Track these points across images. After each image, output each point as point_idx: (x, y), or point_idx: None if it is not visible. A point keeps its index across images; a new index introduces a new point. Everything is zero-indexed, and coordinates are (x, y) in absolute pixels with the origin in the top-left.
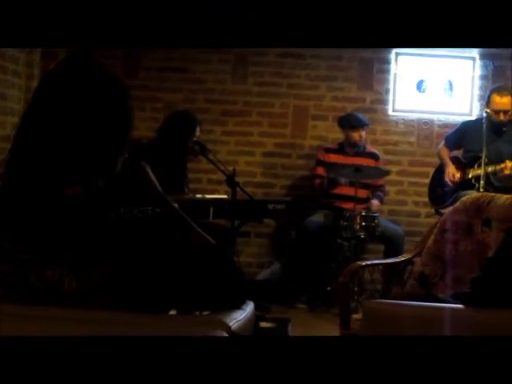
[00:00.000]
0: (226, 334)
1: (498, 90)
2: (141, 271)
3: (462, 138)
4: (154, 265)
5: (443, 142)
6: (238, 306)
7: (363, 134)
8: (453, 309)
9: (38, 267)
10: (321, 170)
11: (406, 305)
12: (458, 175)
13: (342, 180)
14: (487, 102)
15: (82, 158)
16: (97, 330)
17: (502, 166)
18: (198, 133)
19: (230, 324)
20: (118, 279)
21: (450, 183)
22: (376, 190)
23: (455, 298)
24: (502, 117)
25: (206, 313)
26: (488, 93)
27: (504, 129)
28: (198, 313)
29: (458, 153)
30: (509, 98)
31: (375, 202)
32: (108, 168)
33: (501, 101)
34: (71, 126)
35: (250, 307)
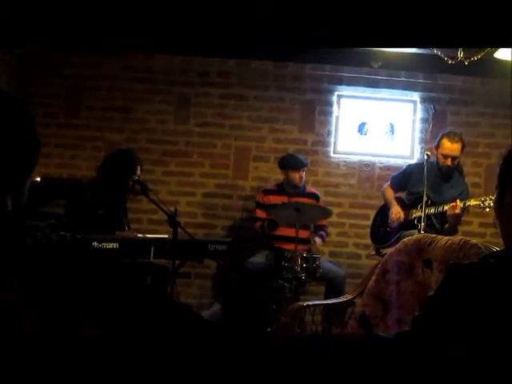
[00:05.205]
0: None
1: (449, 136)
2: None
3: (408, 179)
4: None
5: (388, 183)
6: None
7: (303, 174)
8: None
9: None
10: (260, 213)
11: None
12: (402, 215)
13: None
14: (437, 145)
15: None
16: None
17: (453, 204)
18: (138, 171)
19: None
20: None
21: (395, 222)
22: (318, 229)
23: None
24: (449, 162)
25: None
26: (439, 136)
27: (451, 175)
28: None
29: (402, 195)
30: (459, 144)
31: (318, 240)
32: (15, 186)
33: (451, 146)
34: None
35: None
